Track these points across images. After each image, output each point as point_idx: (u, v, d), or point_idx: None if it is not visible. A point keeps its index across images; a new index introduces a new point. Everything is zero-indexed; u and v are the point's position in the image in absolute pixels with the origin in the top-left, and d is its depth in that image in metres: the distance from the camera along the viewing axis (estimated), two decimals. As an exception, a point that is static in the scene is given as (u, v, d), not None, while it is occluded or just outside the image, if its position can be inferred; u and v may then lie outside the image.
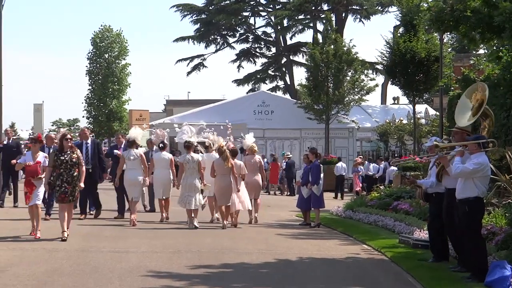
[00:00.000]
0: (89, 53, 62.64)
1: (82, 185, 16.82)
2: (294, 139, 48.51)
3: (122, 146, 22.61)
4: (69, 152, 16.58)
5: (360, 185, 36.85)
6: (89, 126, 59.47)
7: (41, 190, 16.97)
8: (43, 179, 16.75)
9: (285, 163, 41.03)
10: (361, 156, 48.70)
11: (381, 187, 27.43)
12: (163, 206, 21.77)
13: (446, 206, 13.66)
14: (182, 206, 20.32)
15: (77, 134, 23.08)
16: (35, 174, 16.77)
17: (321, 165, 22.44)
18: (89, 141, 22.25)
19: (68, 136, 16.86)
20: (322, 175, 22.02)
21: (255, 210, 22.36)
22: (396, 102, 67.20)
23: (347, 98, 47.37)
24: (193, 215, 20.12)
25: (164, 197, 21.86)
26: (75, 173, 16.51)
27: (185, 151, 20.90)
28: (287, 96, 63.93)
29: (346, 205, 26.01)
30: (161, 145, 22.59)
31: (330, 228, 21.72)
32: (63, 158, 16.45)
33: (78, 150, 17.12)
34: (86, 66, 62.77)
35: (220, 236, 18.29)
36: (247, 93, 65.89)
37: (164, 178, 21.91)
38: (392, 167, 33.42)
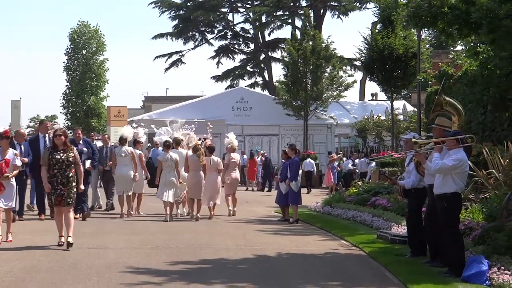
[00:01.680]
0: (67, 49, 62.42)
1: (82, 187, 15.62)
2: (273, 135, 48.56)
3: (81, 142, 21.24)
4: (64, 150, 15.03)
5: (332, 180, 37.00)
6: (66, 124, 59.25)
7: (11, 191, 15.69)
8: (12, 178, 15.65)
9: (260, 159, 41.13)
10: (341, 153, 48.89)
11: (359, 182, 27.51)
12: (132, 202, 22.50)
13: (429, 202, 13.77)
14: (161, 199, 21.46)
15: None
16: (1, 173, 15.41)
17: (299, 161, 22.51)
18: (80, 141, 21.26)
19: (59, 132, 15.32)
20: (300, 171, 22.10)
21: (233, 205, 23.46)
22: (374, 98, 67.40)
23: (325, 94, 47.50)
24: (169, 209, 21.39)
25: (134, 193, 22.78)
26: (71, 174, 14.93)
27: (164, 150, 22.15)
28: (266, 92, 63.94)
29: (324, 201, 26.04)
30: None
31: (309, 224, 21.75)
32: (58, 157, 14.92)
33: (75, 149, 15.56)
34: (64, 62, 62.57)
35: (199, 232, 18.28)
36: (225, 89, 65.83)
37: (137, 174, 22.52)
38: (373, 163, 33.51)
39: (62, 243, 14.94)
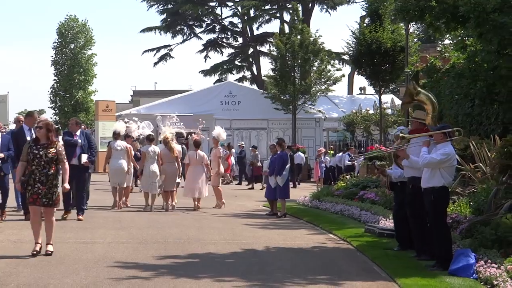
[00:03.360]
0: (54, 43, 62.23)
1: (67, 186, 13.82)
2: (261, 129, 48.48)
3: (78, 133, 19.70)
4: (46, 145, 13.37)
5: (319, 174, 37.00)
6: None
7: None
8: None
9: (236, 152, 41.04)
10: (332, 147, 48.89)
11: (347, 176, 27.51)
12: (122, 194, 23.02)
13: (408, 194, 13.82)
14: (148, 191, 22.33)
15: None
16: None
17: (288, 155, 22.51)
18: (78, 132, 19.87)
19: (40, 124, 13.71)
20: (288, 165, 22.09)
21: (220, 197, 24.24)
22: (362, 92, 67.44)
23: (313, 89, 47.46)
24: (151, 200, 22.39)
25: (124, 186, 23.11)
26: (51, 172, 13.24)
27: (147, 143, 22.98)
28: (254, 86, 63.87)
29: (312, 195, 26.06)
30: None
31: (297, 218, 21.77)
32: (36, 151, 13.27)
33: (60, 144, 13.83)
34: (52, 56, 62.42)
35: (187, 226, 18.28)
36: (214, 83, 65.68)
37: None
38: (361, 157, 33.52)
39: (36, 252, 13.20)
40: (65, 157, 13.76)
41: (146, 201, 22.43)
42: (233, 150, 40.90)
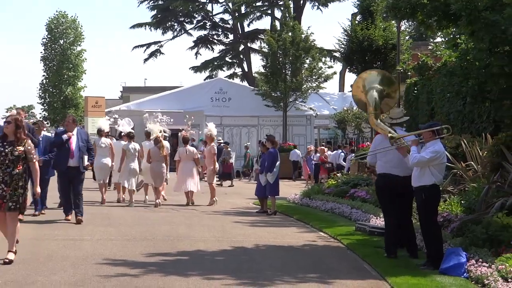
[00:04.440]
0: (43, 39, 62.24)
1: (38, 189, 12.62)
2: (252, 126, 48.51)
3: (75, 132, 18.39)
4: (14, 142, 12.31)
5: (309, 172, 37.00)
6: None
7: None
8: None
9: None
10: (324, 144, 48.88)
11: (338, 174, 27.50)
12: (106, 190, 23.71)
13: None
14: (127, 187, 22.95)
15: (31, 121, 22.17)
16: None
17: (278, 152, 22.48)
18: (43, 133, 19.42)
19: (9, 119, 12.67)
20: (278, 163, 22.07)
21: (213, 194, 24.37)
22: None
23: (304, 86, 47.53)
24: (130, 195, 22.92)
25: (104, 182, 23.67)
26: (15, 171, 12.12)
27: (128, 140, 23.41)
28: (245, 83, 63.86)
29: (303, 193, 26.06)
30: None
31: (287, 216, 21.76)
32: (2, 149, 12.21)
33: (30, 141, 12.72)
34: (41, 52, 62.39)
35: (176, 224, 18.25)
36: (204, 80, 65.64)
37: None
38: (352, 155, 33.56)
39: (7, 260, 12.09)
40: (36, 156, 12.82)
41: (130, 196, 22.99)
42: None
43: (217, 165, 25.19)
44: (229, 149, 38.63)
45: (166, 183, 24.20)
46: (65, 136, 18.12)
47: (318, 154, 37.35)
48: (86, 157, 18.16)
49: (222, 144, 37.63)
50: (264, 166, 22.07)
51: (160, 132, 24.02)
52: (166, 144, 24.64)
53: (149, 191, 23.90)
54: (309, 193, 25.59)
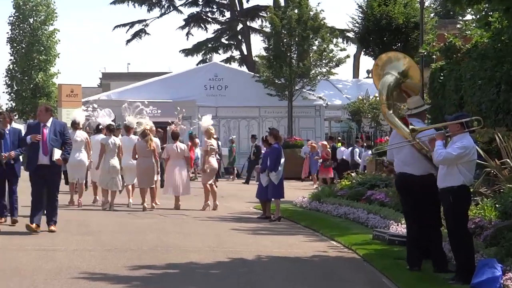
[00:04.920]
0: (10, 17, 62.14)
1: None
2: (252, 118, 48.50)
3: (50, 123, 17.71)
4: None
5: (307, 172, 37.11)
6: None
7: None
8: None
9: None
10: (330, 138, 48.81)
11: (352, 174, 27.45)
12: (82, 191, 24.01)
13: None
14: (107, 188, 23.04)
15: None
16: None
17: (282, 148, 22.48)
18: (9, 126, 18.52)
19: None
20: (282, 160, 22.05)
21: (213, 198, 24.22)
22: (370, 75, 67.34)
23: (313, 71, 47.49)
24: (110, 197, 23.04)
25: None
26: None
27: (107, 133, 23.53)
28: (244, 68, 63.82)
29: (312, 196, 26.03)
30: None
31: (293, 222, 21.81)
32: None
33: None
34: (7, 33, 62.34)
35: (164, 231, 18.27)
36: (197, 65, 65.62)
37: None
38: (368, 151, 33.59)
39: None
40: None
41: (106, 198, 23.09)
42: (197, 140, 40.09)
43: (214, 164, 24.52)
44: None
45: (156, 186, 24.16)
46: (28, 139, 17.33)
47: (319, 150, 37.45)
48: (57, 151, 17.35)
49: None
50: (266, 164, 22.05)
51: (137, 125, 24.27)
52: (156, 141, 24.78)
53: (135, 193, 23.88)
54: (319, 195, 25.58)
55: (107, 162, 22.97)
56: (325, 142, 38.25)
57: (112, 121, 26.13)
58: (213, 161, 24.49)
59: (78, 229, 18.17)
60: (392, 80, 14.75)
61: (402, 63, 15.11)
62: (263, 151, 37.33)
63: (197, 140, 37.34)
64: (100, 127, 24.93)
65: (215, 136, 25.58)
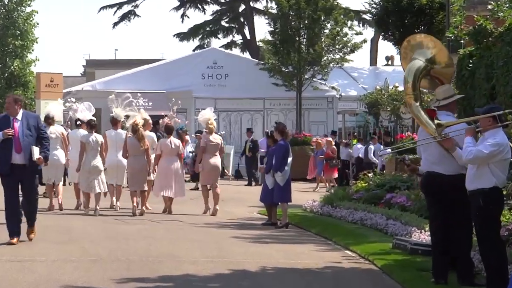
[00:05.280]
0: (-19, -4, 62.17)
1: None
2: (256, 111, 48.50)
3: (20, 116, 17.08)
4: None
5: (315, 172, 37.16)
6: None
7: None
8: None
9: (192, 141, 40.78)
10: (357, 135, 48.82)
11: (369, 174, 27.43)
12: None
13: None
14: (88, 191, 23.13)
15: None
16: None
17: (289, 146, 22.48)
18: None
19: None
20: (290, 159, 22.04)
21: (215, 202, 24.14)
22: (389, 62, 67.40)
23: (325, 58, 47.50)
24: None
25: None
26: None
27: (88, 130, 23.55)
28: (246, 55, 63.88)
29: (323, 199, 26.03)
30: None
31: (303, 229, 21.84)
32: None
33: None
34: (-22, 15, 62.33)
35: (156, 239, 18.28)
36: (193, 51, 65.74)
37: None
38: (385, 150, 33.55)
39: None
40: None
41: (87, 201, 23.19)
42: (187, 137, 39.85)
43: (214, 163, 24.40)
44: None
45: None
46: (0, 135, 16.72)
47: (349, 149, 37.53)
48: (36, 149, 16.81)
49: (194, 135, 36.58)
50: (271, 163, 22.04)
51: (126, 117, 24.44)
52: (153, 136, 24.97)
53: (121, 195, 24.06)
54: (331, 199, 25.57)
55: (88, 162, 22.99)
56: (329, 138, 38.30)
57: (92, 115, 26.15)
58: (215, 160, 24.42)
59: (59, 237, 18.17)
60: (420, 66, 14.65)
61: (431, 47, 15.02)
62: (261, 149, 37.62)
63: (187, 137, 37.44)
64: (78, 123, 25.16)
65: (221, 132, 25.56)
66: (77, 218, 22.04)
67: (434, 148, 13.56)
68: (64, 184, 25.62)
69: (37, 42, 62.67)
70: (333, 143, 37.56)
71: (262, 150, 35.27)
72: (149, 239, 18.35)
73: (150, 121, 25.23)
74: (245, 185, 38.85)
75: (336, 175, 36.63)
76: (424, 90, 15.15)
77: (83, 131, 24.10)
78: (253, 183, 38.18)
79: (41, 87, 45.96)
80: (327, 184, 36.09)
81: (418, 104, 14.34)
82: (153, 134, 25.28)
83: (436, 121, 13.64)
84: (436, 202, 13.62)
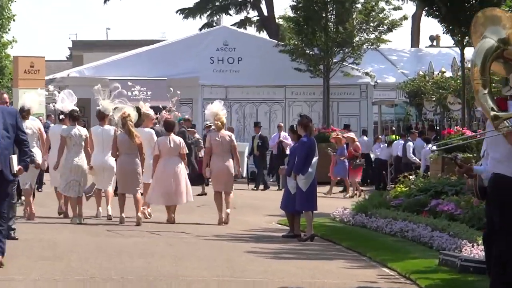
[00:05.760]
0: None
1: None
2: (275, 102, 48.55)
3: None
4: None
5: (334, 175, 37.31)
6: None
7: None
8: None
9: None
10: (396, 129, 48.85)
11: (410, 176, 27.39)
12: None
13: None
14: (67, 194, 23.41)
15: None
16: None
17: (315, 143, 22.45)
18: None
19: None
20: (315, 159, 21.98)
21: (226, 205, 24.22)
22: (434, 43, 67.39)
23: (357, 38, 47.52)
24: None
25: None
26: None
27: (70, 123, 23.65)
28: (264, 34, 63.97)
29: (356, 206, 26.01)
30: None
31: (331, 242, 21.87)
32: None
33: None
34: None
35: (157, 255, 18.28)
36: (199, 30, 65.86)
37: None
38: (428, 147, 33.56)
39: None
40: None
41: (65, 206, 23.62)
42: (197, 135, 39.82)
43: (223, 164, 24.42)
44: (197, 136, 37.05)
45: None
46: None
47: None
48: (15, 157, 15.95)
49: (183, 128, 35.87)
50: (293, 163, 22.00)
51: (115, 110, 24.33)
52: (150, 132, 24.99)
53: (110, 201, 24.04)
54: (365, 206, 25.56)
55: (70, 160, 23.06)
56: (352, 134, 38.28)
57: (74, 105, 25.78)
58: (225, 162, 24.34)
59: (42, 252, 18.20)
60: (492, 47, 14.50)
61: (508, 27, 14.88)
62: (271, 147, 37.61)
63: (197, 135, 37.48)
64: (61, 117, 24.96)
65: (230, 126, 25.46)
66: (62, 229, 22.04)
67: (502, 145, 13.39)
68: (38, 190, 25.66)
69: (14, 20, 62.88)
70: (356, 139, 37.61)
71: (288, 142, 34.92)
72: (148, 255, 18.35)
73: (152, 115, 25.19)
74: (257, 189, 38.66)
75: (359, 177, 36.69)
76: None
77: (63, 126, 24.15)
78: (261, 187, 38.24)
79: (19, 73, 46.08)
80: (351, 190, 36.11)
81: (486, 91, 14.16)
82: (152, 131, 25.22)
83: (492, 113, 13.55)
84: (495, 210, 13.51)
